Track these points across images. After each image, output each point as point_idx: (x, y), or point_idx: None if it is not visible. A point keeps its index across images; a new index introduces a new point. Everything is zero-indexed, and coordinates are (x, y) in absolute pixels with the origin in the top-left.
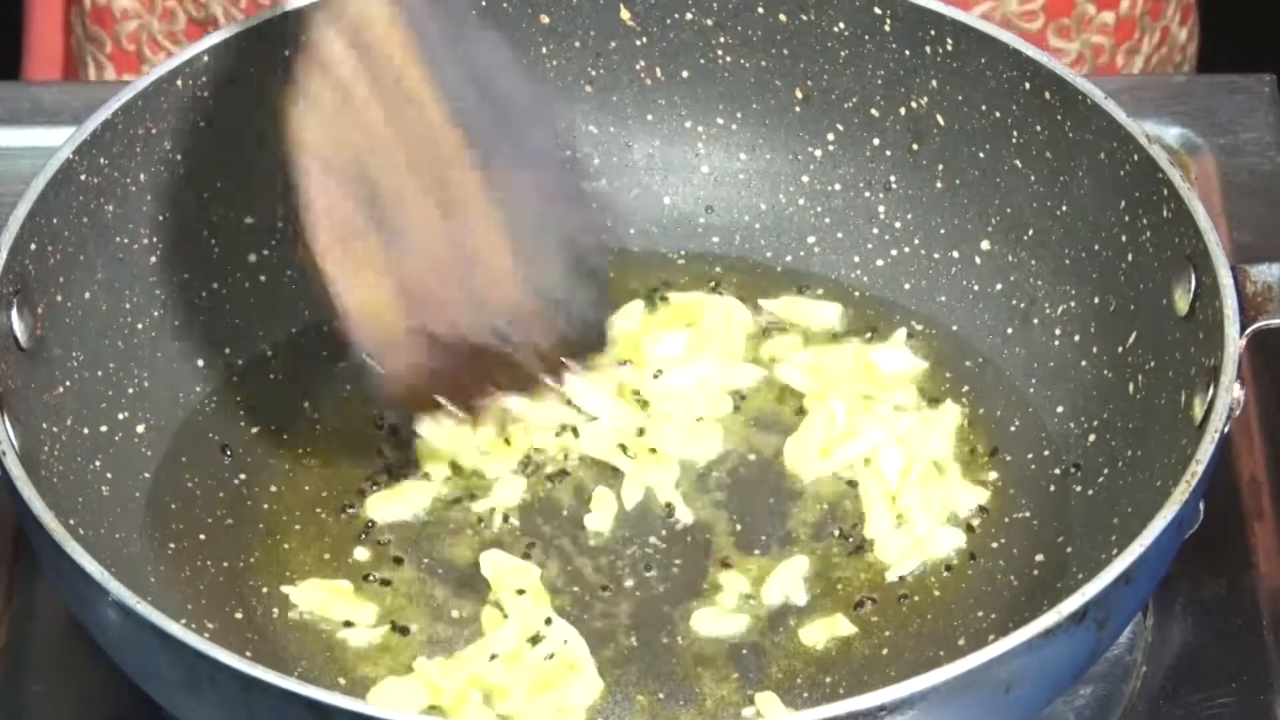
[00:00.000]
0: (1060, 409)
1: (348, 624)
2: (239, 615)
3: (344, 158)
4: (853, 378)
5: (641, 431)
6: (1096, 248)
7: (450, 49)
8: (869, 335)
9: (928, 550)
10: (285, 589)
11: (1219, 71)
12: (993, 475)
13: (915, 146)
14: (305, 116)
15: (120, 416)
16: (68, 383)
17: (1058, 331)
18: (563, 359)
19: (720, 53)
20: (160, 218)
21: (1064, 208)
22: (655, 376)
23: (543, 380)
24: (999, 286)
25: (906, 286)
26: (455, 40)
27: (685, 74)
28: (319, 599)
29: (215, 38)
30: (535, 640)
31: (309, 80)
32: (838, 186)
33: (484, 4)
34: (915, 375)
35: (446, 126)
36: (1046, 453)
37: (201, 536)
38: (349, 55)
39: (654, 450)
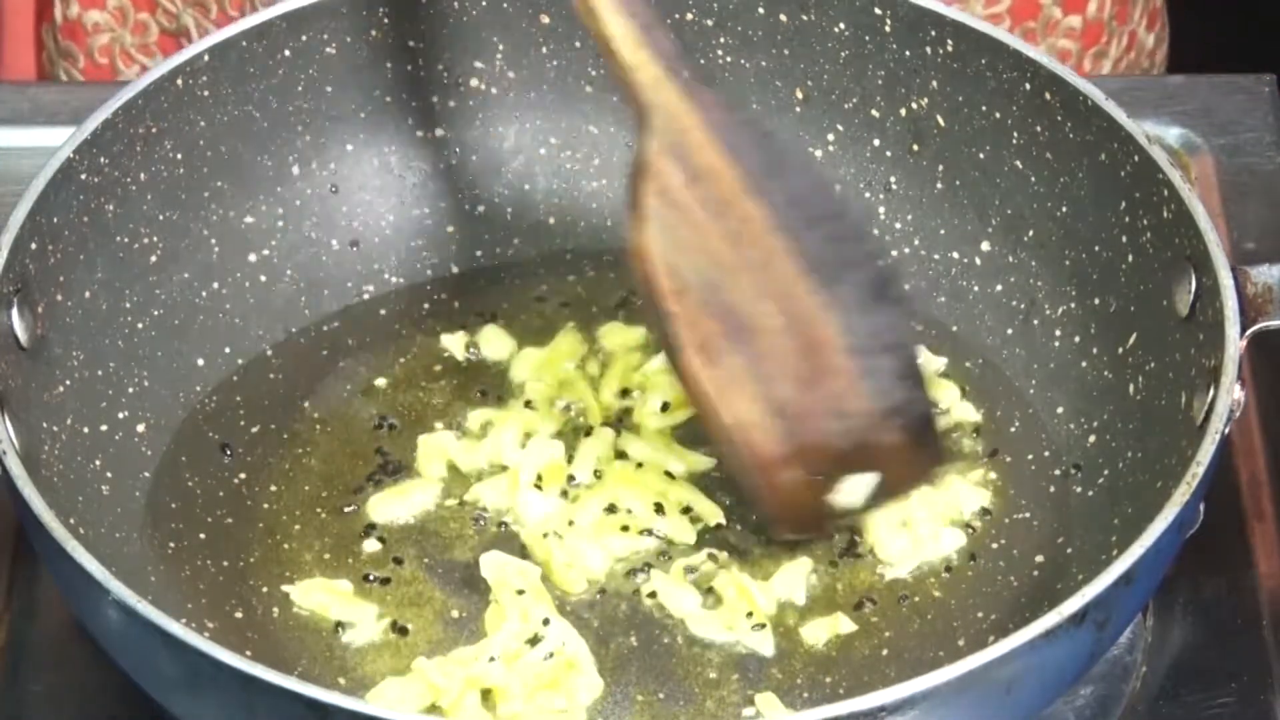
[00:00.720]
0: (1060, 410)
1: (348, 624)
2: (239, 615)
3: (698, 279)
4: None
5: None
6: (1097, 249)
7: (756, 155)
8: None
9: (928, 550)
10: (285, 588)
11: (1215, 72)
12: (993, 476)
13: (915, 147)
14: (655, 238)
15: (120, 416)
16: (68, 382)
17: (1058, 332)
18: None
19: (720, 53)
20: (160, 217)
21: (1064, 208)
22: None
23: (908, 485)
24: (999, 287)
25: (906, 287)
26: (758, 146)
27: (685, 74)
28: (319, 599)
29: (215, 38)
30: (535, 641)
31: (652, 203)
32: (838, 187)
33: (484, 4)
34: (935, 373)
35: (775, 238)
36: (1046, 453)
37: (201, 536)
38: (682, 177)
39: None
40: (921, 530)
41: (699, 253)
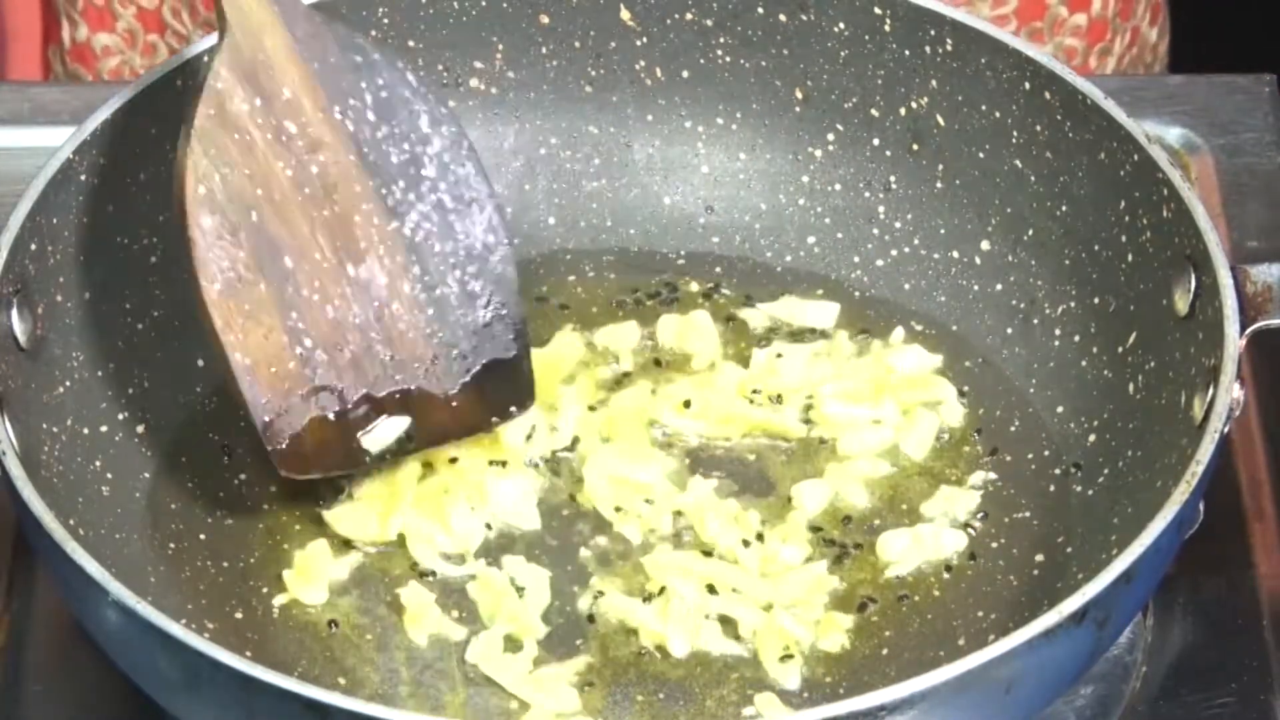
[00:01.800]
0: (1060, 409)
1: (348, 624)
2: (239, 615)
3: (236, 205)
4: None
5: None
6: (1096, 248)
7: (355, 84)
8: (863, 336)
9: (928, 550)
10: (285, 585)
11: (1215, 72)
12: (993, 476)
13: (915, 146)
14: (197, 161)
15: (120, 417)
16: (68, 383)
17: (1058, 331)
18: (484, 416)
19: (720, 53)
20: (160, 218)
21: (1064, 208)
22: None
23: (451, 436)
24: (999, 287)
25: (906, 287)
26: (359, 73)
27: (685, 74)
28: (319, 598)
29: (215, 38)
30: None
31: (203, 123)
32: (838, 187)
33: (484, 4)
34: (933, 369)
35: (354, 169)
36: (1046, 453)
37: (201, 537)
38: (248, 96)
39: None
40: (922, 531)
41: (246, 178)
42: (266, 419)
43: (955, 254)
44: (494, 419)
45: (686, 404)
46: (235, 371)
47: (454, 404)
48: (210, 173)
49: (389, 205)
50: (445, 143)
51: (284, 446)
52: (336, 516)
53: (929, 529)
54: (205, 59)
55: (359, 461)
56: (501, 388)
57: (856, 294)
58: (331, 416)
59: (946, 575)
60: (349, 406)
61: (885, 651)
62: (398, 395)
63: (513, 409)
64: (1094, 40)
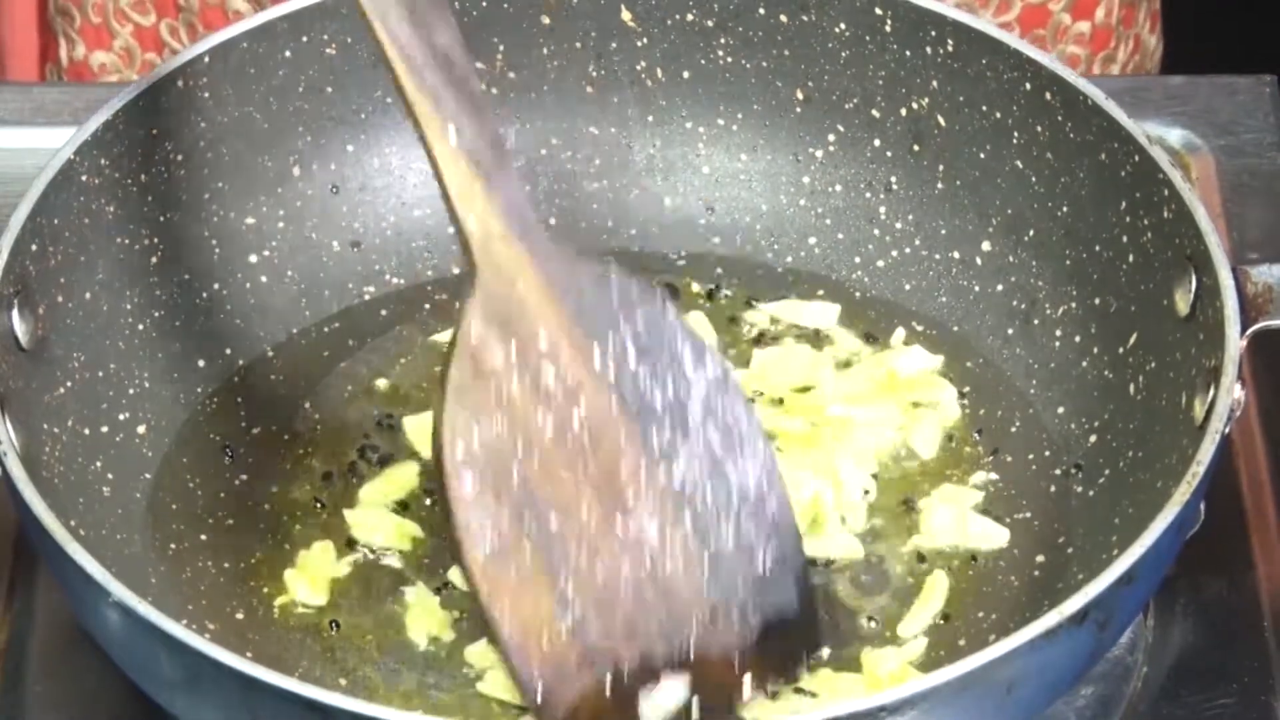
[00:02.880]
0: (1061, 409)
1: (349, 624)
2: (240, 615)
3: (497, 462)
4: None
5: None
6: (1097, 248)
7: (612, 323)
8: (865, 337)
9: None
10: (286, 585)
11: (1215, 72)
12: (993, 476)
13: (916, 147)
14: (454, 417)
15: (121, 417)
16: (69, 383)
17: (1058, 332)
18: (772, 673)
19: (721, 53)
20: (161, 218)
21: (1065, 208)
22: None
23: (742, 697)
24: (1000, 287)
25: (907, 287)
26: (615, 311)
27: (686, 75)
28: (320, 599)
29: (216, 39)
30: None
31: (457, 376)
32: (838, 187)
33: (484, 4)
34: (935, 369)
35: (616, 415)
36: (1047, 453)
37: (202, 537)
38: (503, 345)
39: None
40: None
41: (507, 433)
42: (540, 693)
43: (956, 255)
44: (783, 674)
45: None
46: (504, 646)
47: (737, 661)
48: (469, 429)
49: (655, 452)
50: (710, 382)
51: (557, 715)
52: (355, 518)
53: (977, 517)
54: (457, 307)
55: None
56: (787, 639)
57: (857, 294)
58: (608, 686)
59: (947, 575)
60: (625, 672)
61: (884, 651)
62: (674, 654)
63: (802, 662)
64: (1097, 48)
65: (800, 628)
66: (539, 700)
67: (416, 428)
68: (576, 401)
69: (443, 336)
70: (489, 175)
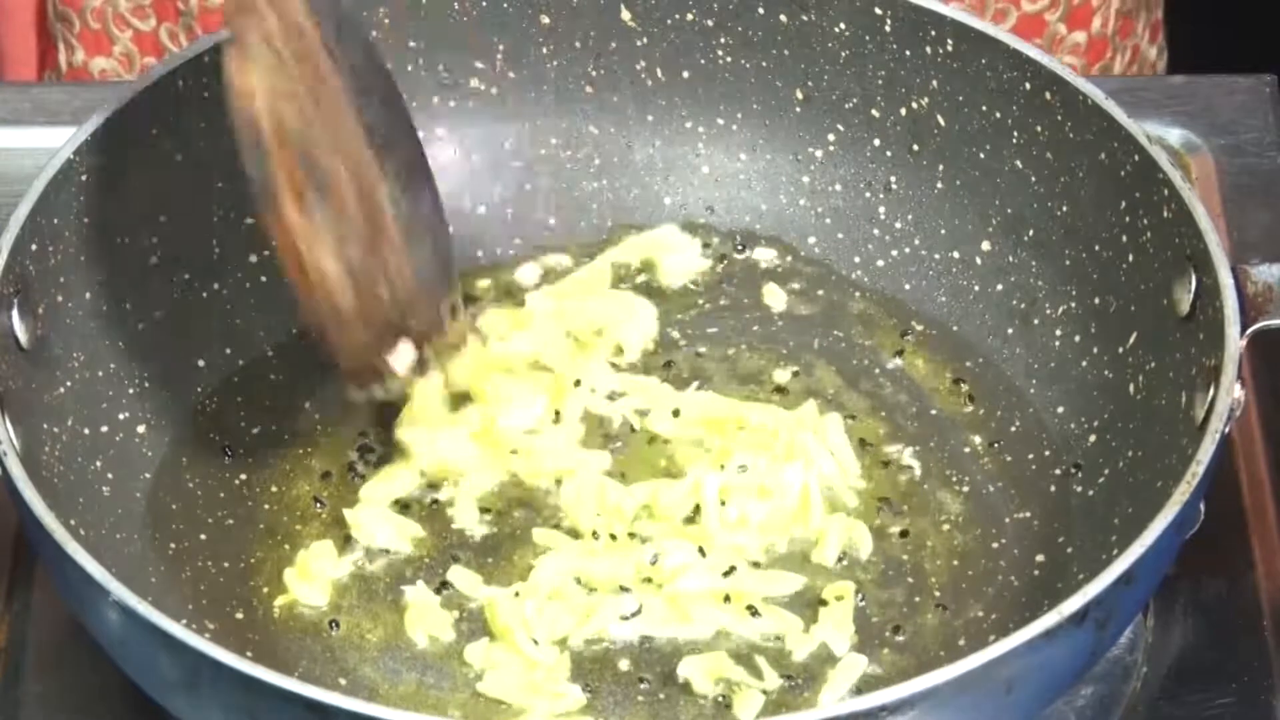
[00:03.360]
0: (1061, 409)
1: (349, 624)
2: (240, 615)
3: (290, 125)
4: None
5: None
6: (1097, 248)
7: (331, 18)
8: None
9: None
10: (286, 585)
11: (1215, 72)
12: (993, 475)
13: (916, 147)
14: (250, 73)
15: (121, 417)
16: (68, 383)
17: (1058, 332)
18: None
19: (721, 53)
20: (161, 218)
21: (1064, 208)
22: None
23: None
24: (999, 287)
25: (907, 287)
26: (350, 35)
27: (686, 74)
28: (320, 598)
29: (216, 38)
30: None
31: (255, 42)
32: (838, 187)
33: (484, 4)
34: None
35: (345, 100)
36: (1047, 453)
37: (202, 537)
38: (279, 24)
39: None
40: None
41: (291, 102)
42: (336, 332)
43: (956, 254)
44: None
45: (675, 413)
46: (315, 285)
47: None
48: (268, 90)
49: (369, 137)
50: (385, 74)
51: (350, 358)
52: (355, 518)
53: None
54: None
55: (383, 377)
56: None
57: (857, 294)
58: (371, 336)
59: (947, 575)
60: (381, 326)
61: (885, 651)
62: (399, 312)
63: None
64: (1094, 59)
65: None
66: (338, 344)
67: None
68: (323, 86)
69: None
70: None
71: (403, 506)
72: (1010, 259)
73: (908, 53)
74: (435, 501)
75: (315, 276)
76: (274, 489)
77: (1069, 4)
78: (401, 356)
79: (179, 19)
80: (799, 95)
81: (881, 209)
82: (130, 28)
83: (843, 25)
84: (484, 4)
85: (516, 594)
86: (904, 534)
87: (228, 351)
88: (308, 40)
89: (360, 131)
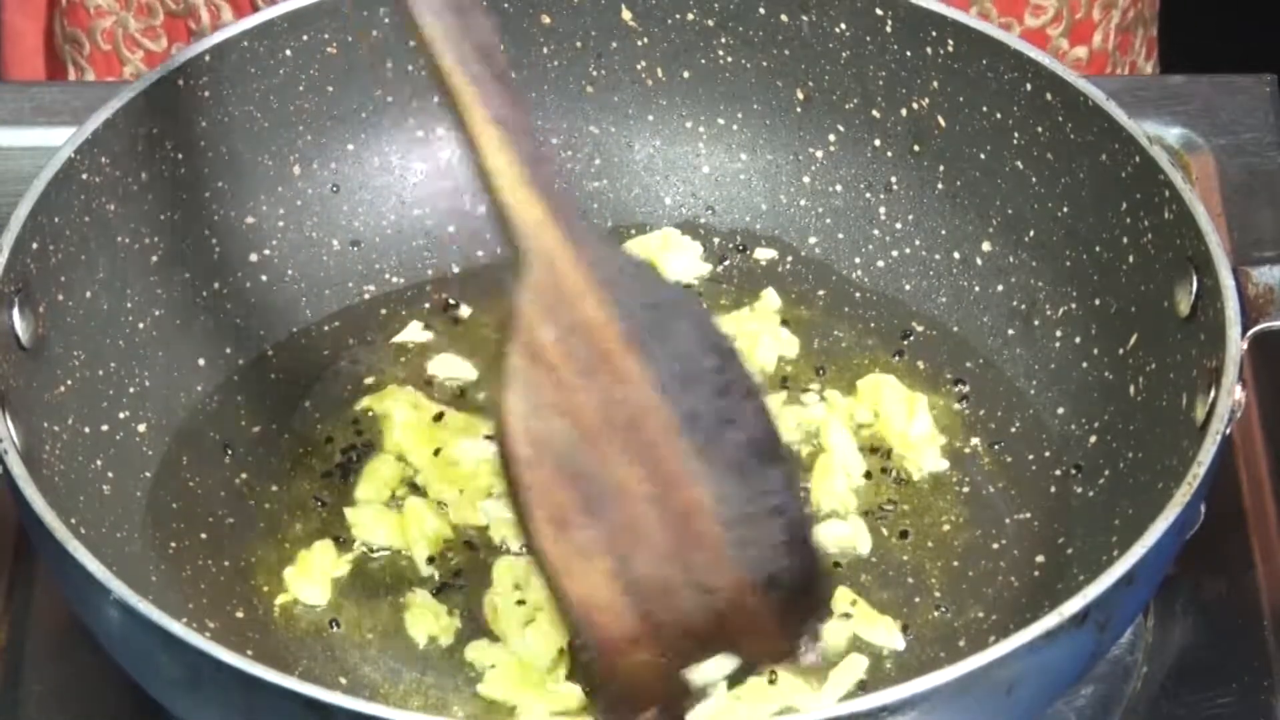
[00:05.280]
0: (1061, 410)
1: (349, 623)
2: (240, 614)
3: (557, 445)
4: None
5: None
6: (1097, 249)
7: (639, 304)
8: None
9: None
10: (286, 584)
11: (1215, 72)
12: (993, 476)
13: (916, 147)
14: (516, 401)
15: (121, 416)
16: (69, 382)
17: (1059, 333)
18: (789, 635)
19: (721, 53)
20: (161, 217)
21: (1065, 209)
22: None
23: (769, 661)
24: (1000, 288)
25: (907, 287)
26: (643, 294)
27: (686, 74)
28: (320, 597)
29: (216, 37)
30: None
31: (517, 361)
32: (839, 187)
33: (483, 4)
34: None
35: (650, 395)
36: (1047, 454)
37: (202, 536)
38: (554, 333)
39: None
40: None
41: (563, 415)
42: (604, 663)
43: (956, 255)
44: (798, 638)
45: None
46: (575, 618)
47: (761, 626)
48: (530, 411)
49: (686, 431)
50: (727, 363)
51: (618, 689)
52: (355, 518)
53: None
54: (513, 297)
55: (684, 696)
56: (801, 608)
57: (857, 294)
58: (660, 658)
59: (947, 576)
60: (674, 642)
61: (886, 651)
62: (714, 625)
63: (814, 624)
64: (1094, 73)
65: (812, 589)
66: (602, 666)
67: (402, 427)
68: (619, 382)
69: (435, 335)
70: (532, 163)
71: (401, 505)
72: (1010, 259)
73: (908, 53)
74: (441, 504)
75: (576, 605)
76: (274, 489)
77: (1071, 19)
78: (707, 670)
79: (190, 38)
80: (799, 95)
81: (881, 209)
82: (141, 48)
83: (843, 25)
84: (484, 3)
85: (517, 587)
86: (904, 534)
87: (228, 351)
88: (600, 336)
89: (671, 422)
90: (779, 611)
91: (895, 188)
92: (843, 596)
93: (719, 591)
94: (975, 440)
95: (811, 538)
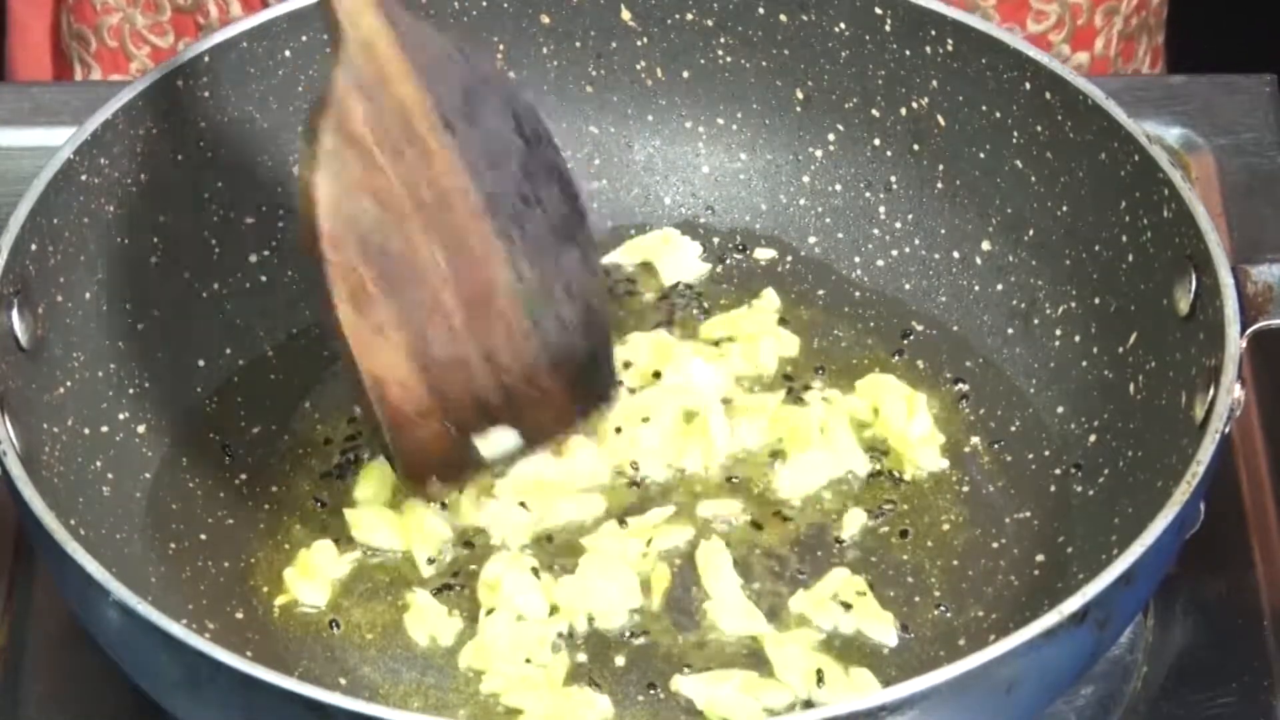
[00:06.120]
0: (1061, 409)
1: (349, 623)
2: (239, 615)
3: (363, 224)
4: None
5: None
6: (1097, 248)
7: (455, 87)
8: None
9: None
10: (286, 585)
11: (1215, 72)
12: (993, 475)
13: (916, 147)
14: (323, 179)
15: (121, 417)
16: (68, 383)
17: (1058, 332)
18: (577, 410)
19: (721, 53)
20: (160, 218)
21: (1064, 208)
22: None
23: (555, 435)
24: (999, 287)
25: (907, 287)
26: (460, 82)
27: (686, 74)
28: (320, 598)
29: (216, 38)
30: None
31: (327, 140)
32: (838, 187)
33: (484, 4)
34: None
35: (457, 177)
36: (1047, 453)
37: (202, 537)
38: (366, 111)
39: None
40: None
41: (369, 194)
42: (394, 434)
43: (956, 254)
44: (583, 412)
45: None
46: (368, 390)
47: (550, 402)
48: (337, 191)
49: (491, 213)
50: (535, 149)
51: (409, 459)
52: (355, 518)
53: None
54: (329, 75)
55: (475, 466)
56: (588, 381)
57: (857, 294)
58: (453, 429)
59: (947, 575)
60: (466, 415)
61: (886, 651)
62: (504, 400)
63: (600, 401)
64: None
65: (601, 370)
66: (392, 436)
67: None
68: (429, 165)
69: None
70: None
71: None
72: (1010, 259)
73: (908, 53)
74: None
75: (368, 379)
76: (274, 489)
77: (1073, 25)
78: (494, 442)
79: (198, 33)
80: (799, 95)
81: (881, 209)
82: (148, 44)
83: (843, 25)
84: (484, 4)
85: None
86: (904, 534)
87: (228, 351)
88: (413, 118)
89: (476, 203)
90: (568, 388)
91: (895, 187)
92: (851, 584)
93: (511, 368)
94: (975, 439)
95: (605, 316)
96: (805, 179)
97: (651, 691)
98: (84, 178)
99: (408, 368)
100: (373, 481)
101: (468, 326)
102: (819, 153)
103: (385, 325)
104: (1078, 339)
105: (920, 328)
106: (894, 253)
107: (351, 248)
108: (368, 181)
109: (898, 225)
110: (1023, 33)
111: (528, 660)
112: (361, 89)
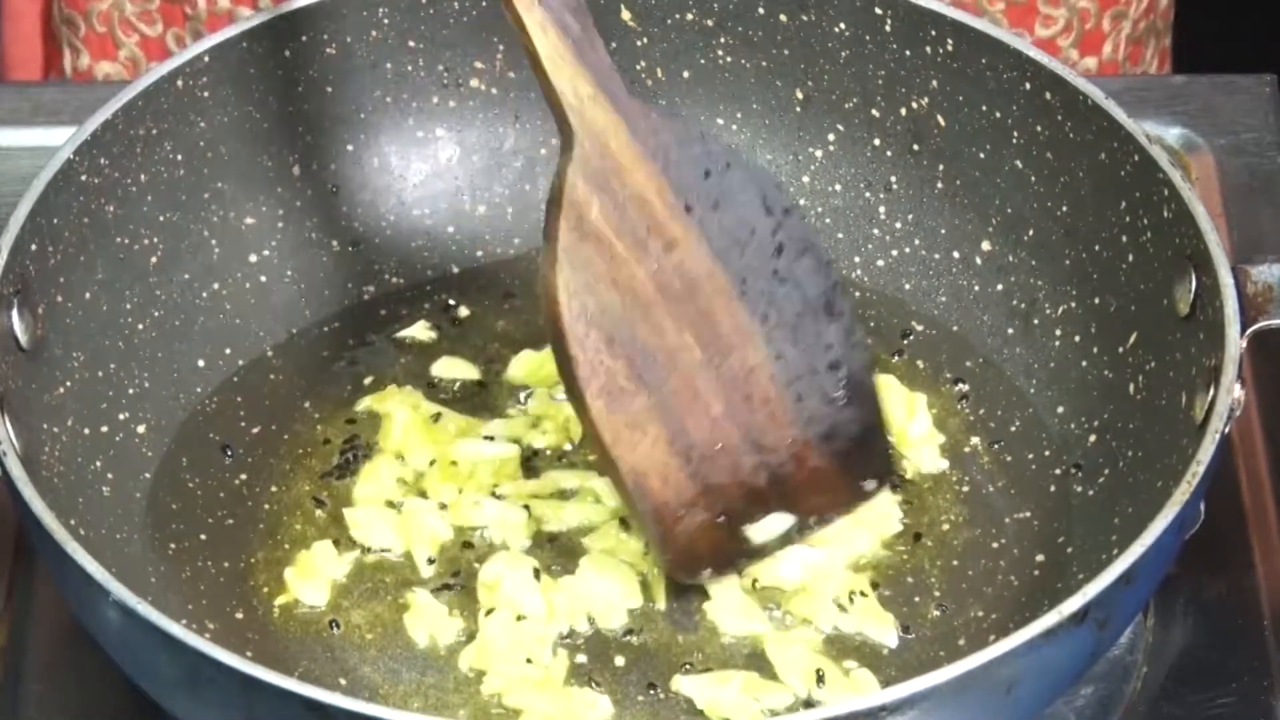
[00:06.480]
0: (1061, 409)
1: (349, 624)
2: (239, 615)
3: (609, 318)
4: None
5: None
6: (1097, 248)
7: (697, 175)
8: None
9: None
10: (286, 585)
11: (1215, 72)
12: (993, 475)
13: (916, 147)
14: (564, 276)
15: (121, 417)
16: (68, 383)
17: (1058, 332)
18: (855, 487)
19: (721, 53)
20: (161, 218)
21: (1064, 208)
22: None
23: (833, 514)
24: (999, 287)
25: (907, 286)
26: (699, 164)
27: (686, 74)
28: (320, 598)
29: (216, 38)
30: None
31: (565, 237)
32: (838, 187)
33: (484, 4)
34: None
35: (703, 262)
36: (1047, 453)
37: (202, 536)
38: (603, 204)
39: None
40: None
41: (613, 287)
42: (660, 529)
43: (956, 254)
44: (859, 491)
45: None
46: (628, 487)
47: (823, 481)
48: (579, 287)
49: (742, 294)
50: (782, 223)
51: (677, 552)
52: (355, 518)
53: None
54: (556, 173)
55: (745, 554)
56: (863, 455)
57: (857, 294)
58: (720, 519)
59: (947, 575)
60: (732, 503)
61: (886, 651)
62: (772, 483)
63: (878, 475)
64: None
65: (874, 448)
66: (660, 530)
67: (402, 427)
68: (672, 253)
69: (436, 335)
70: (578, 41)
71: (400, 505)
72: (1010, 259)
73: (908, 53)
74: (442, 504)
75: (628, 475)
76: (274, 489)
77: (1081, 30)
78: (767, 528)
79: (186, 24)
80: (799, 95)
81: (881, 209)
82: (136, 32)
83: (843, 25)
84: (484, 4)
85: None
86: (903, 534)
87: (228, 352)
88: (650, 207)
89: (726, 285)
90: (839, 465)
91: (895, 187)
92: (851, 584)
93: (778, 450)
94: (975, 440)
95: (873, 388)
96: (805, 179)
97: (651, 691)
98: (84, 178)
99: (669, 460)
100: (373, 481)
101: (728, 412)
102: (819, 153)
103: (641, 418)
104: (1078, 339)
105: (920, 328)
106: (894, 253)
107: (599, 343)
108: (611, 274)
109: (898, 225)
110: (1031, 38)
111: (528, 660)
112: (595, 182)
